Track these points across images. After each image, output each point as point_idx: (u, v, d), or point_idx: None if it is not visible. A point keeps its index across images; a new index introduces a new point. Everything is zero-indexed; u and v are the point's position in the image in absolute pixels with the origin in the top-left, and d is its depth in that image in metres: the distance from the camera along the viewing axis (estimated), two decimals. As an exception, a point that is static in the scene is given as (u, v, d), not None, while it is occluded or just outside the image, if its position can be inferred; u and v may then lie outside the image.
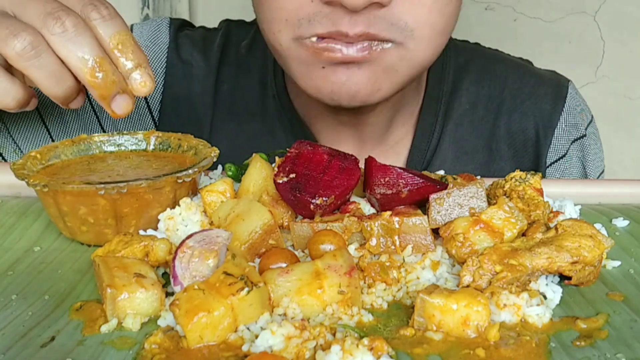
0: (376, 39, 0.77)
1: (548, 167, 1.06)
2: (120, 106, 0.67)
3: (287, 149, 0.70)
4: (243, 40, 1.06)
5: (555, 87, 1.07)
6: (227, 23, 1.10)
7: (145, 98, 1.04)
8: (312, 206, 0.64)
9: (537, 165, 1.05)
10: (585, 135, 1.08)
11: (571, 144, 1.07)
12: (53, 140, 1.01)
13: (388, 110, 0.97)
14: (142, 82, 0.66)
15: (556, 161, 1.06)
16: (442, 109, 1.02)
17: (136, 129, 1.05)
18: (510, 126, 1.05)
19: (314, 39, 0.78)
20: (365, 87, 0.80)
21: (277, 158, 0.70)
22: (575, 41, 2.13)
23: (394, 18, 0.76)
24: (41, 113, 1.00)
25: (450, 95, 1.04)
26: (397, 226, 0.62)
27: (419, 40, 0.79)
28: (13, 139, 0.98)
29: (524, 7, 2.11)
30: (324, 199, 0.64)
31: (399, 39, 0.78)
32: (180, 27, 1.08)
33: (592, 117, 1.11)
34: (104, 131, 1.03)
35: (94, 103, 1.02)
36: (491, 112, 1.05)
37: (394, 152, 1.03)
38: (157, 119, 1.06)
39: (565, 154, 1.06)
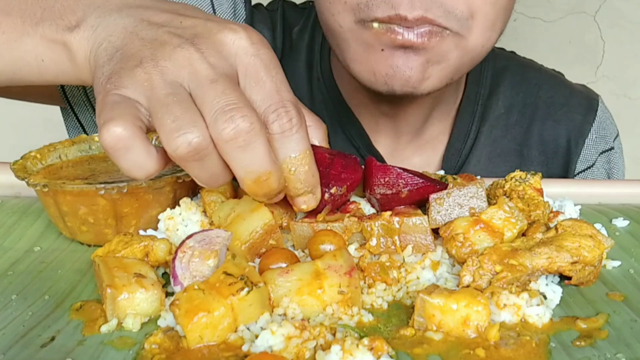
0: (434, 24, 0.78)
1: (575, 175, 1.09)
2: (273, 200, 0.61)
3: None
4: (296, 26, 1.08)
5: (586, 100, 1.11)
6: (282, 4, 1.11)
7: None
8: (327, 195, 0.63)
9: (565, 173, 1.09)
10: (612, 148, 1.12)
11: (599, 155, 1.10)
12: None
13: (427, 104, 1.00)
14: (305, 207, 0.60)
15: (583, 170, 1.09)
16: (479, 110, 1.05)
17: None
18: (543, 133, 1.08)
19: (376, 24, 0.79)
20: (418, 73, 0.81)
21: None
22: (575, 41, 2.13)
23: (450, 6, 0.78)
24: None
25: (487, 99, 1.06)
26: (397, 226, 0.62)
27: (472, 30, 0.81)
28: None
29: (524, 7, 2.11)
30: (338, 187, 0.63)
31: (455, 28, 0.79)
32: (250, 4, 1.10)
33: (618, 131, 1.15)
34: None
35: None
36: (525, 118, 1.08)
37: (430, 146, 1.05)
38: None
39: (593, 164, 1.10)
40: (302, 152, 0.56)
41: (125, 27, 0.58)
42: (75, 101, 1.02)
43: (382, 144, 1.03)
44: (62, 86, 1.00)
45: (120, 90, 0.53)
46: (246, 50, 0.56)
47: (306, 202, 0.60)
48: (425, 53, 0.80)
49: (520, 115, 1.08)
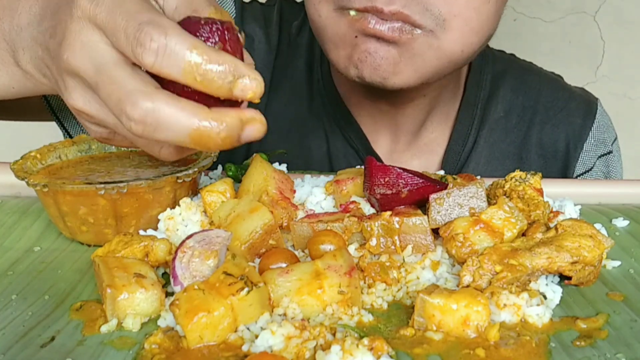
0: (409, 21, 0.78)
1: (574, 178, 1.09)
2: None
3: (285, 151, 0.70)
4: (294, 21, 1.08)
5: (585, 104, 1.11)
6: (279, 0, 1.11)
7: None
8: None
9: (564, 176, 1.09)
10: (611, 152, 1.12)
11: (598, 159, 1.10)
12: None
13: (425, 105, 1.00)
14: (251, 94, 0.49)
15: (582, 174, 1.10)
16: (478, 114, 1.05)
17: None
18: (542, 137, 1.08)
19: (353, 12, 0.79)
20: (388, 65, 0.81)
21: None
22: (575, 41, 2.13)
23: (429, 4, 0.78)
24: None
25: (487, 102, 1.06)
26: (397, 226, 0.62)
27: (449, 32, 0.80)
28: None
29: (524, 7, 2.11)
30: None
31: (430, 26, 0.79)
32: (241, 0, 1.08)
33: (616, 135, 1.14)
34: None
35: None
36: (524, 121, 1.08)
37: (428, 149, 1.05)
38: None
39: (592, 168, 1.10)
40: (186, 62, 0.47)
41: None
42: (64, 115, 1.02)
43: (381, 145, 1.03)
44: (49, 103, 1.00)
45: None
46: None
47: (243, 89, 0.49)
48: (396, 47, 0.80)
49: (519, 118, 1.08)
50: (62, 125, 1.03)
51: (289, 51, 1.06)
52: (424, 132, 1.04)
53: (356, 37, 0.81)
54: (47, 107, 1.01)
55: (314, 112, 1.03)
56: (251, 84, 0.49)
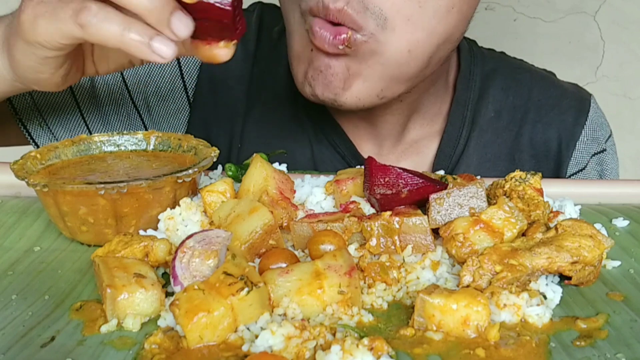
0: (352, 21, 0.77)
1: (567, 178, 1.08)
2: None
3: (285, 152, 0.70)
4: (275, 26, 1.06)
5: (578, 101, 1.09)
6: (260, 6, 1.10)
7: (182, 76, 1.04)
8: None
9: (556, 176, 1.07)
10: (605, 150, 1.10)
11: (591, 157, 1.09)
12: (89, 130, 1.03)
13: (404, 109, 0.98)
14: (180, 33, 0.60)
15: (575, 173, 1.08)
16: (469, 115, 1.04)
17: (169, 107, 1.05)
18: (533, 136, 1.06)
19: (310, 17, 0.79)
20: (338, 81, 0.81)
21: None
22: (575, 41, 2.13)
23: (369, 2, 0.77)
24: (80, 106, 1.02)
25: (477, 103, 1.05)
26: (397, 226, 0.62)
27: (390, 32, 0.79)
28: (50, 130, 1.01)
29: (524, 7, 2.11)
30: None
31: (371, 28, 0.78)
32: None
33: (611, 131, 1.13)
34: (140, 116, 1.04)
35: (133, 95, 1.04)
36: (515, 121, 1.06)
37: (414, 151, 1.04)
38: (191, 98, 1.05)
39: (585, 166, 1.08)
40: None
41: None
42: (26, 117, 1.00)
43: (366, 149, 1.02)
44: (14, 108, 0.99)
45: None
46: None
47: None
48: (344, 59, 0.80)
49: (510, 118, 1.06)
50: (27, 132, 1.01)
51: (270, 57, 1.05)
52: (407, 135, 1.02)
53: (312, 50, 0.81)
54: (11, 110, 0.99)
55: (298, 118, 1.02)
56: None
